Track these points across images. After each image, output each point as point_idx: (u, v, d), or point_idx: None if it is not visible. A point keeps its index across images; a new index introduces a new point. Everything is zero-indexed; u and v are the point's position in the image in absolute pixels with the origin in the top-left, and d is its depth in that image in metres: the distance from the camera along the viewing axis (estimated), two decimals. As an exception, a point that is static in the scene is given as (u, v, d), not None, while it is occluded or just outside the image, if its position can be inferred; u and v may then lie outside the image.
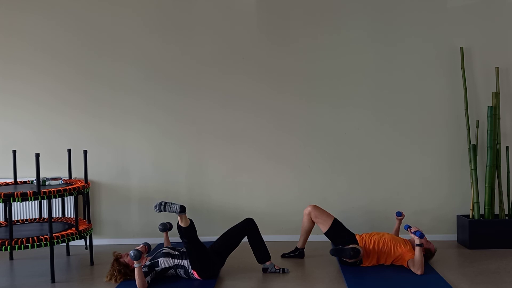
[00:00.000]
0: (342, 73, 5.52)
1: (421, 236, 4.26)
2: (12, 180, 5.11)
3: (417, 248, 4.27)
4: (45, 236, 4.29)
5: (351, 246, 4.41)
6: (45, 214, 5.23)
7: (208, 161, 5.59)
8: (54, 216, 5.32)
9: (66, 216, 5.37)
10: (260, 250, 4.48)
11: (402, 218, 4.99)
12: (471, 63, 5.46)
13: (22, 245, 4.17)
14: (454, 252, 5.07)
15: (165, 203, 4.05)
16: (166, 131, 5.58)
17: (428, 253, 4.50)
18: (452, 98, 5.48)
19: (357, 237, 4.57)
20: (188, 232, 4.13)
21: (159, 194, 5.49)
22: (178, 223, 4.14)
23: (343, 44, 5.51)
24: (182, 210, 4.05)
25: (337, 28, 5.51)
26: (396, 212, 5.00)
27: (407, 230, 4.46)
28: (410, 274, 4.25)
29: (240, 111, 5.57)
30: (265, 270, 4.47)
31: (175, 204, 4.06)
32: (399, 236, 4.88)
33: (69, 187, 4.46)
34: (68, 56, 5.54)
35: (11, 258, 5.08)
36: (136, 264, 3.95)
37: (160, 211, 4.05)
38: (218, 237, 4.52)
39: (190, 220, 4.17)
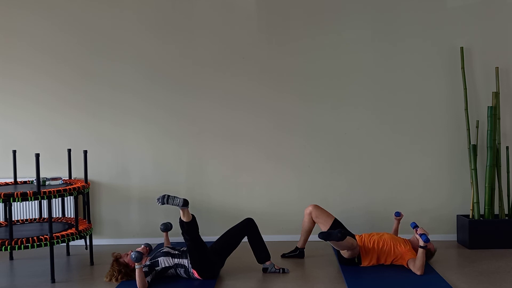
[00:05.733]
0: (342, 73, 5.52)
1: (427, 240, 4.24)
2: (12, 180, 5.11)
3: (420, 250, 4.26)
4: (45, 236, 4.29)
5: (338, 229, 4.36)
6: (45, 214, 5.23)
7: (208, 161, 5.59)
8: (54, 216, 5.32)
9: (66, 216, 5.37)
10: (260, 250, 4.48)
11: (401, 218, 4.99)
12: (471, 63, 5.46)
13: (22, 245, 4.17)
14: (454, 252, 5.07)
15: (168, 196, 4.07)
16: (166, 131, 5.58)
17: (428, 253, 4.49)
18: (452, 98, 5.48)
19: (357, 237, 4.57)
20: (191, 227, 4.13)
21: (159, 194, 5.43)
22: (180, 218, 4.14)
23: (343, 44, 5.51)
24: (185, 203, 4.07)
25: (337, 28, 5.52)
26: (395, 212, 5.00)
27: (413, 229, 4.44)
28: (410, 274, 4.25)
29: (240, 111, 5.57)
30: (265, 270, 4.48)
31: (178, 197, 4.07)
32: (398, 236, 4.87)
33: (69, 187, 4.46)
34: (68, 56, 5.54)
35: (11, 258, 5.08)
36: (137, 266, 3.95)
37: (163, 203, 4.06)
38: (218, 237, 4.53)
39: (192, 215, 4.17)
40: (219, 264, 4.37)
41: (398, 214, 4.97)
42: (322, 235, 4.18)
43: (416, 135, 5.52)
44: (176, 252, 4.29)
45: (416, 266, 4.25)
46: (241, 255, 4.71)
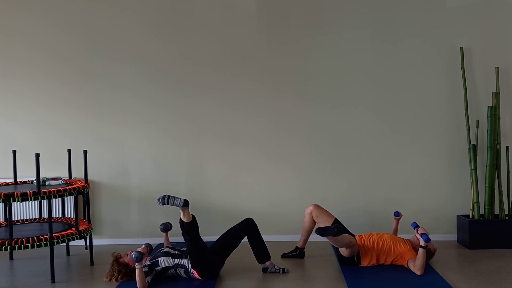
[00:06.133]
0: (342, 73, 5.52)
1: (427, 240, 4.24)
2: (12, 180, 5.11)
3: (420, 250, 4.26)
4: (45, 236, 4.29)
5: (334, 224, 4.43)
6: (45, 214, 5.23)
7: (208, 161, 5.59)
8: (54, 216, 5.32)
9: (66, 216, 5.37)
10: (260, 250, 4.48)
11: (400, 218, 4.98)
12: (471, 63, 5.46)
13: (22, 245, 4.17)
14: (454, 252, 5.07)
15: (169, 196, 4.06)
16: (166, 131, 5.58)
17: (428, 253, 4.49)
18: (452, 98, 5.48)
19: (357, 237, 4.57)
20: (191, 227, 4.13)
21: (159, 194, 5.43)
22: (180, 218, 4.14)
23: (343, 44, 5.51)
24: (185, 204, 4.07)
25: (337, 28, 5.51)
26: (394, 212, 5.00)
27: (414, 229, 4.45)
28: (410, 274, 4.25)
29: (240, 111, 5.57)
30: (265, 270, 4.48)
31: (178, 198, 4.07)
32: (398, 236, 4.87)
33: (69, 187, 4.46)
34: (68, 56, 5.54)
35: (11, 258, 5.08)
36: (137, 266, 3.95)
37: (163, 204, 4.06)
38: (218, 237, 4.53)
39: (193, 215, 4.17)
40: (219, 264, 4.37)
41: (397, 214, 4.97)
42: (319, 231, 4.21)
43: (416, 135, 5.52)
44: (176, 252, 4.29)
45: (416, 266, 4.25)
46: (241, 255, 4.71)
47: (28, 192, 4.19)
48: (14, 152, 5.07)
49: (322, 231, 4.19)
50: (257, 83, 5.55)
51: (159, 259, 4.22)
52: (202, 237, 4.24)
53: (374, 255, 4.48)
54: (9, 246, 4.15)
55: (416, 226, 4.47)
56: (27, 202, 5.13)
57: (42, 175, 4.79)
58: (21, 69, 5.53)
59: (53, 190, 4.29)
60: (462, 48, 5.39)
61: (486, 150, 5.33)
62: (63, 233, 4.41)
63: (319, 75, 5.53)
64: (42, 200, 5.05)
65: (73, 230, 4.50)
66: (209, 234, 5.01)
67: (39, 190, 4.23)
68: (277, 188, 5.59)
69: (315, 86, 5.54)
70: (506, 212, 5.38)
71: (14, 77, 5.54)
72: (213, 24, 5.54)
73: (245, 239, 4.49)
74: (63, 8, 5.53)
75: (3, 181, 5.18)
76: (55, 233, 4.39)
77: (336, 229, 4.17)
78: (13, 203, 4.77)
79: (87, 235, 4.66)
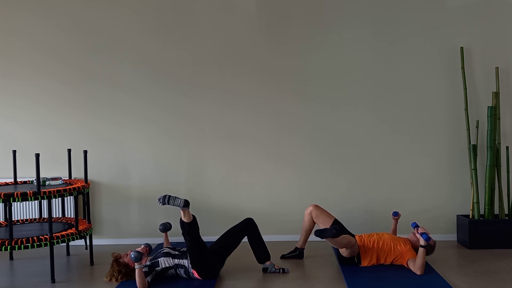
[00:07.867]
0: (342, 73, 5.53)
1: (428, 239, 4.24)
2: (12, 180, 5.11)
3: (420, 249, 4.26)
4: (45, 236, 4.29)
5: (332, 226, 4.44)
6: (45, 214, 5.23)
7: (208, 161, 5.59)
8: (54, 216, 5.32)
9: (66, 216, 5.37)
10: (260, 250, 4.48)
11: (399, 218, 4.98)
12: (471, 63, 5.46)
13: (22, 245, 4.17)
14: (454, 252, 5.07)
15: (169, 196, 4.06)
16: (166, 131, 5.58)
17: (428, 247, 4.48)
18: (452, 98, 5.48)
19: (357, 237, 4.57)
20: (191, 227, 4.13)
21: (159, 194, 5.43)
22: (180, 218, 4.14)
23: (343, 44, 5.51)
24: (186, 204, 4.06)
25: (337, 28, 5.52)
26: (393, 212, 5.00)
27: (414, 229, 4.45)
28: (410, 274, 4.25)
29: (240, 111, 5.57)
30: (265, 270, 4.48)
31: (179, 198, 4.07)
32: (398, 236, 4.87)
33: (69, 187, 4.46)
34: (68, 56, 5.54)
35: (11, 258, 5.08)
36: (137, 265, 3.95)
37: (164, 204, 4.05)
38: (218, 237, 4.53)
39: (193, 216, 4.17)
40: (219, 264, 4.37)
41: (395, 214, 4.97)
42: (317, 232, 4.21)
43: (416, 135, 5.52)
44: (176, 252, 4.29)
45: (416, 266, 4.25)
46: (241, 255, 4.71)
47: (28, 192, 4.19)
48: (14, 152, 5.07)
49: (320, 233, 4.19)
50: (257, 83, 5.56)
51: (159, 259, 4.22)
52: (202, 237, 4.24)
53: (374, 255, 4.48)
54: (9, 246, 4.15)
55: (416, 226, 4.47)
56: (27, 202, 5.13)
57: (42, 175, 4.79)
58: (21, 69, 5.53)
59: (53, 190, 4.29)
60: (462, 48, 5.39)
61: (486, 150, 5.33)
62: (63, 233, 4.41)
63: (319, 75, 5.53)
64: (42, 200, 5.05)
65: (73, 230, 4.50)
66: (209, 234, 5.01)
67: (39, 190, 4.23)
68: (277, 188, 5.59)
69: (315, 86, 5.54)
70: (506, 212, 5.38)
71: (14, 77, 5.54)
72: (213, 24, 5.54)
73: (245, 239, 4.49)
74: (63, 8, 5.53)
75: (3, 181, 5.18)
76: (55, 233, 4.39)
77: (334, 230, 4.17)
78: (13, 203, 4.77)
79: (87, 235, 4.67)
